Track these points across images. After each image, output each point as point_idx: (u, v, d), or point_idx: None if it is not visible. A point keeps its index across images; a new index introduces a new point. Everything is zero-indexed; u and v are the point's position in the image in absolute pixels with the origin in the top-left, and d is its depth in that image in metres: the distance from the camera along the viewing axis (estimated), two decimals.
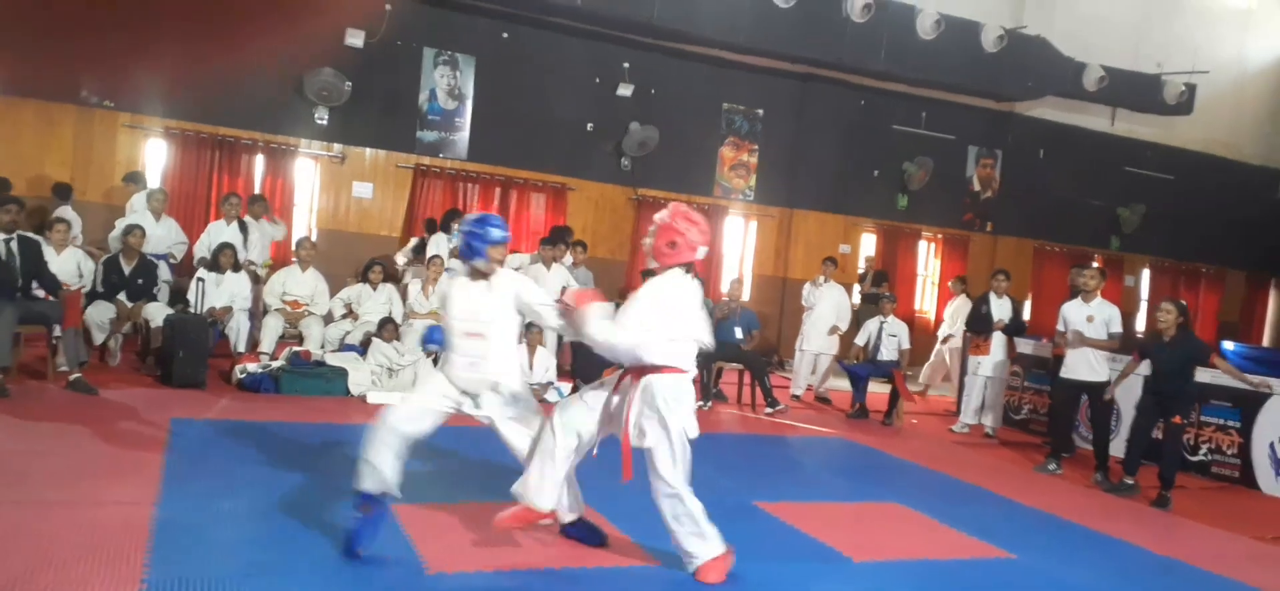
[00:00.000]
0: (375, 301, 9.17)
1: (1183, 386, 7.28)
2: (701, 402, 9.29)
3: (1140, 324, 15.35)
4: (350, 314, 9.25)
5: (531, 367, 8.64)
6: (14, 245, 7.14)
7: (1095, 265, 8.99)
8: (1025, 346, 10.01)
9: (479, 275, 4.54)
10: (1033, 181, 14.83)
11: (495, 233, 4.48)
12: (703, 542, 4.32)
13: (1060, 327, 8.08)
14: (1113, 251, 15.71)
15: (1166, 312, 7.35)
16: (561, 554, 4.57)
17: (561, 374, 9.24)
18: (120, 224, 8.99)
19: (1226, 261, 16.69)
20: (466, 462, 6.21)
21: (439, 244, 10.35)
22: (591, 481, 5.53)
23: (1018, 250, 14.91)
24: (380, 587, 3.98)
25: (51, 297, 7.36)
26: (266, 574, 3.98)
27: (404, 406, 4.54)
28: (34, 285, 7.33)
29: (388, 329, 8.54)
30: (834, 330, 10.66)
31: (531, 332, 8.62)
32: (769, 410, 9.39)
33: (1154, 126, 15.19)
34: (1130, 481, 7.30)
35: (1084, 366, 7.78)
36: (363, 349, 8.56)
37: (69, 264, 8.14)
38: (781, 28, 11.73)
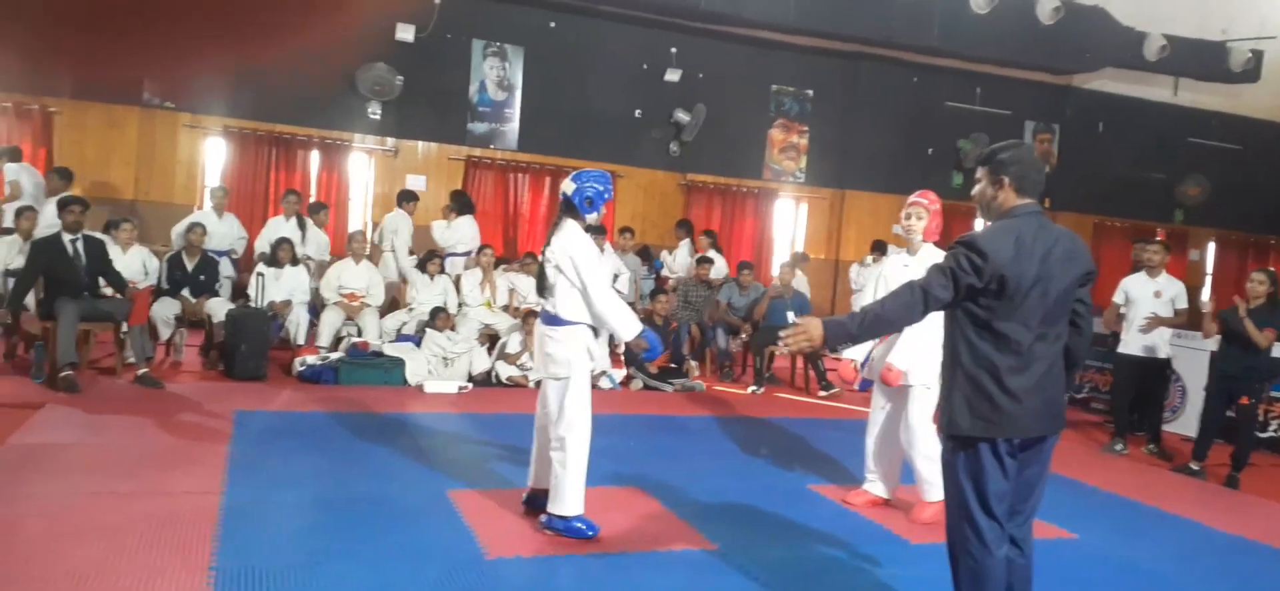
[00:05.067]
0: (431, 291, 9.29)
1: (1254, 362, 6.94)
2: (754, 387, 9.27)
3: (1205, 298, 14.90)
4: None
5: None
6: (80, 245, 7.34)
7: (1159, 239, 8.72)
8: None
9: None
10: (1092, 156, 14.49)
11: None
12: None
13: (1118, 299, 7.89)
14: (1176, 225, 15.30)
15: (1259, 283, 6.96)
16: (619, 538, 4.60)
17: (614, 359, 9.21)
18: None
19: None
20: (524, 450, 6.25)
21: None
22: (643, 463, 5.56)
23: (1077, 226, 14.54)
24: (442, 572, 4.03)
25: (119, 295, 7.57)
26: (331, 560, 4.06)
27: None
28: (101, 283, 7.55)
29: (442, 318, 8.66)
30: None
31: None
32: (824, 392, 9.33)
33: (1219, 95, 14.73)
34: (1197, 467, 7.11)
35: (1146, 344, 7.61)
36: (418, 339, 8.69)
37: (135, 262, 8.36)
38: (830, 6, 11.59)
